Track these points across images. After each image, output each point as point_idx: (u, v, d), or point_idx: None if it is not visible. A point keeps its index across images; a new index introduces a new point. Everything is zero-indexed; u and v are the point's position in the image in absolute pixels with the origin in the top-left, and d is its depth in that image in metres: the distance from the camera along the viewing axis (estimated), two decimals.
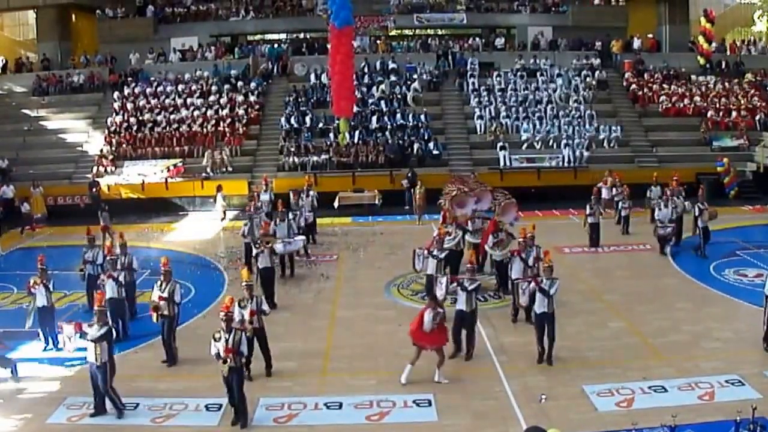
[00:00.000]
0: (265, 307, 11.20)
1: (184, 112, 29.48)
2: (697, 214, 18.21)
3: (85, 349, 10.09)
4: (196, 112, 29.48)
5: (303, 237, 18.62)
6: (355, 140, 27.49)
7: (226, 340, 9.57)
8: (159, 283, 11.90)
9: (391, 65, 31.88)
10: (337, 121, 24.20)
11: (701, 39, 32.86)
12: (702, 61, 32.55)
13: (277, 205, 18.94)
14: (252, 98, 30.38)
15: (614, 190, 21.29)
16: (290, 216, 18.17)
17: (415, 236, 19.00)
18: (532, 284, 11.61)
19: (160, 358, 11.99)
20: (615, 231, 20.42)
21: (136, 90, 30.96)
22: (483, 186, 17.73)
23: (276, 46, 34.64)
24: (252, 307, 11.05)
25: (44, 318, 12.69)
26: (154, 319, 11.80)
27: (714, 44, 33.27)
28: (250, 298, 11.16)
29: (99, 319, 10.01)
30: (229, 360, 9.52)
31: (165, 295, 11.70)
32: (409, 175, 25.44)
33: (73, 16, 36.06)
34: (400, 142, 27.77)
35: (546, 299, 11.34)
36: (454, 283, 11.78)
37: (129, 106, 29.99)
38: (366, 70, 31.51)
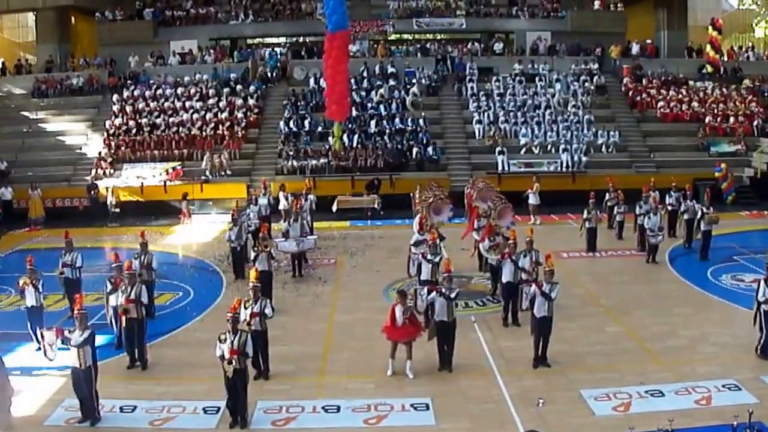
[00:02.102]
0: (268, 310, 11.15)
1: (183, 115, 29.49)
2: (699, 217, 18.33)
3: (67, 349, 9.97)
4: (195, 116, 29.50)
5: (315, 236, 18.69)
6: (354, 144, 27.55)
7: (232, 342, 9.56)
8: (123, 287, 11.85)
9: (390, 69, 31.93)
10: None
11: (708, 47, 32.97)
12: (710, 69, 32.64)
13: (293, 205, 19.16)
14: (251, 102, 30.41)
15: (607, 195, 21.29)
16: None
17: None
18: (533, 287, 11.63)
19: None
20: (610, 236, 20.47)
21: (136, 93, 30.99)
22: (501, 201, 17.08)
23: (275, 50, 34.64)
24: (254, 309, 11.03)
25: (34, 318, 12.66)
26: (123, 323, 11.76)
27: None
28: (254, 299, 11.14)
29: (80, 323, 9.90)
30: (234, 361, 9.50)
31: (132, 297, 11.66)
32: (375, 181, 25.60)
33: (73, 19, 36.16)
34: (399, 146, 27.81)
35: (546, 303, 11.37)
36: (433, 292, 11.72)
37: (128, 108, 30.01)
38: (365, 74, 31.58)
